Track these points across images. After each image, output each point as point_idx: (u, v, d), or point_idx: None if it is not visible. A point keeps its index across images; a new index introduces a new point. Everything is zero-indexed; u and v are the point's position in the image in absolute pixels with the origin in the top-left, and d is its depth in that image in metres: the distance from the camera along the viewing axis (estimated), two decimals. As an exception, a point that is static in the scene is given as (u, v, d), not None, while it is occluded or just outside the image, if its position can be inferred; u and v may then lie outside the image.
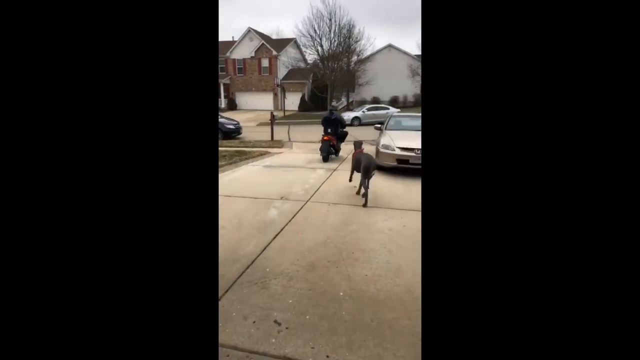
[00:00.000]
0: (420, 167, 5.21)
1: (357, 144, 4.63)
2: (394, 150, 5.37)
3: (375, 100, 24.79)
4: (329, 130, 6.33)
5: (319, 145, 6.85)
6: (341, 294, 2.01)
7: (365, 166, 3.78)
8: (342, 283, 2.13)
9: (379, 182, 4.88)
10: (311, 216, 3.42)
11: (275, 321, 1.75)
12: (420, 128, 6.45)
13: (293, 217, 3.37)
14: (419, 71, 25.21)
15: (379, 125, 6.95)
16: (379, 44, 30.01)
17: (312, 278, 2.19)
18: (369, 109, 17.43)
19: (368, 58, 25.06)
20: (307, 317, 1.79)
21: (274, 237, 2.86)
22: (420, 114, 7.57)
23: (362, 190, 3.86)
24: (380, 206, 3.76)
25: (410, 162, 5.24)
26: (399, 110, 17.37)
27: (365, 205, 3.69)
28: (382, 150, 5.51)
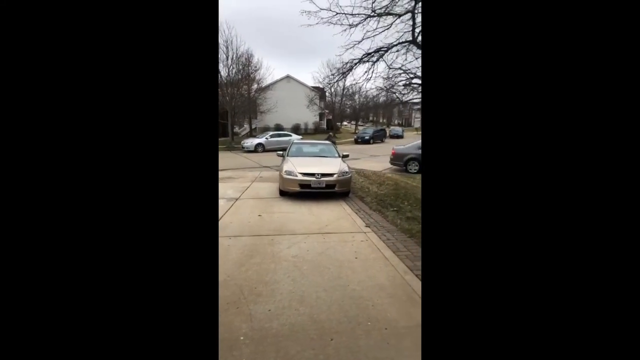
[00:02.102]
0: (320, 190, 5.51)
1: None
2: (296, 175, 5.53)
3: (279, 127, 25.53)
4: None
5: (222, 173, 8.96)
6: (241, 338, 1.83)
7: None
8: (243, 325, 1.95)
9: (283, 208, 4.90)
10: (209, 253, 3.11)
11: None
12: (319, 154, 6.90)
13: (187, 258, 2.99)
14: (316, 101, 27.48)
15: (281, 152, 7.09)
16: (278, 74, 31.49)
17: (208, 327, 1.94)
18: (272, 136, 17.72)
19: (268, 87, 25.86)
20: (201, 376, 1.54)
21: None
22: (319, 141, 8.12)
23: None
24: (284, 233, 3.73)
25: (311, 186, 5.48)
26: (301, 137, 18.27)
27: None
28: (285, 176, 5.60)
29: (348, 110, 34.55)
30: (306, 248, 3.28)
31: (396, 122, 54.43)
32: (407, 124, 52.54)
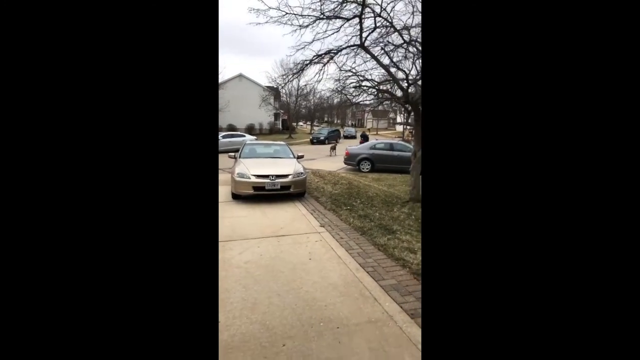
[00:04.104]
0: (275, 192, 5.43)
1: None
2: (249, 178, 5.37)
3: (231, 128, 24.64)
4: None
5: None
6: (188, 355, 1.72)
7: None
8: (189, 341, 1.83)
9: (235, 212, 4.72)
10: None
11: None
12: (274, 155, 6.79)
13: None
14: (270, 100, 27.06)
15: (232, 154, 6.84)
16: (229, 73, 30.37)
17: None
18: (224, 136, 16.96)
19: (219, 85, 24.80)
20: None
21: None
22: (273, 142, 7.99)
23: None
24: (236, 238, 3.60)
25: (266, 188, 5.36)
26: (255, 138, 17.81)
27: None
28: (237, 179, 5.40)
29: (303, 110, 34.63)
30: (259, 252, 3.21)
31: (350, 122, 56.09)
32: (360, 124, 54.47)
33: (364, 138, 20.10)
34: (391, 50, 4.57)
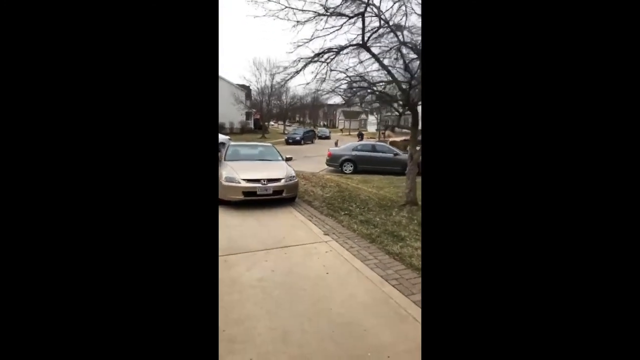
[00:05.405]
0: (267, 197, 5.08)
1: None
2: (239, 182, 4.98)
3: (201, 126, 23.39)
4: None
5: None
6: (225, 410, 1.40)
7: None
8: (223, 390, 1.51)
9: (227, 221, 4.32)
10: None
11: None
12: (260, 157, 6.40)
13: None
14: (242, 99, 26.13)
15: (215, 155, 6.33)
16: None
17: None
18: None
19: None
20: None
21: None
22: (257, 144, 7.56)
23: None
24: (238, 251, 3.24)
25: (257, 193, 5.01)
26: (229, 137, 17.01)
27: None
28: (225, 183, 4.98)
29: (275, 110, 33.90)
30: (270, 267, 2.89)
31: (322, 123, 56.21)
32: (332, 125, 54.82)
33: (360, 137, 21.83)
34: (398, 47, 4.43)
